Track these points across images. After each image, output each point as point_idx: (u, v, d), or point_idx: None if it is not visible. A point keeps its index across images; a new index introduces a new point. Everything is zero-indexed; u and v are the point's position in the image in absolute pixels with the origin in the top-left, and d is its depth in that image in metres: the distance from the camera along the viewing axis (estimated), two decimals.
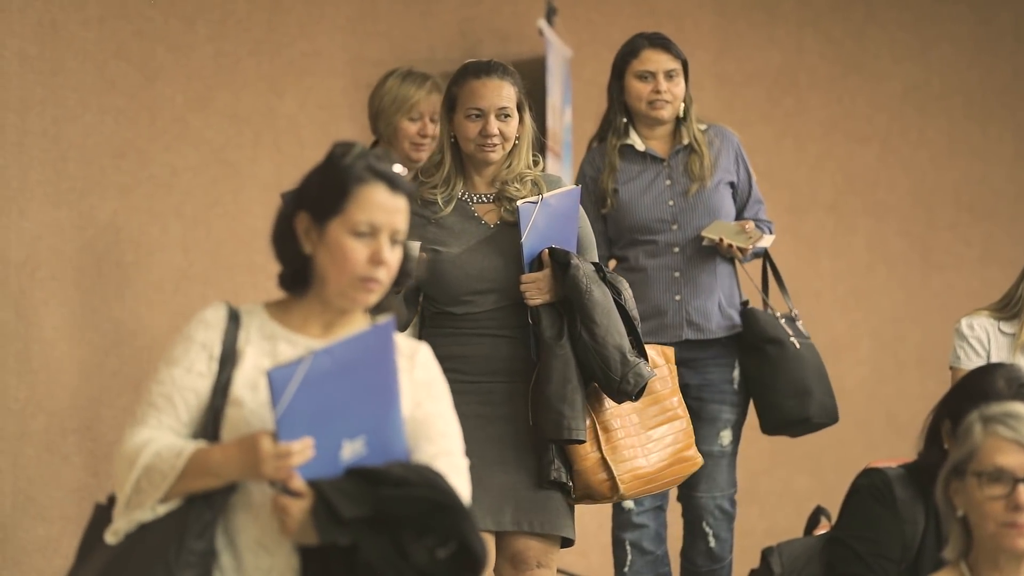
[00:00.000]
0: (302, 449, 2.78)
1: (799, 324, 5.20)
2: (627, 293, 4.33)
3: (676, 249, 5.14)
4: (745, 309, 5.19)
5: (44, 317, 5.58)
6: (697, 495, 5.17)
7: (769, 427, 5.21)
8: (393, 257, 2.93)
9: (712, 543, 5.19)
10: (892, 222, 7.30)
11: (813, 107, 7.22)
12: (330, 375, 2.81)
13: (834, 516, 4.02)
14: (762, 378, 5.13)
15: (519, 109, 4.34)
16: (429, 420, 2.97)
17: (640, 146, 5.18)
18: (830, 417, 5.17)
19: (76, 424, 5.65)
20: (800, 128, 7.20)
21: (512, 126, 4.32)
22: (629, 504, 5.10)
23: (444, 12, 6.52)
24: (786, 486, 6.86)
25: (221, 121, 6.02)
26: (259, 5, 6.13)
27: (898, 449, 5.82)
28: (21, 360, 5.51)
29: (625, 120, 5.19)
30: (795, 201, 7.15)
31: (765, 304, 5.27)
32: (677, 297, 5.12)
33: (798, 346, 5.11)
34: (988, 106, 7.42)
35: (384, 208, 2.92)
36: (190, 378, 2.93)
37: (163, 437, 2.88)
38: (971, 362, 4.67)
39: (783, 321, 5.16)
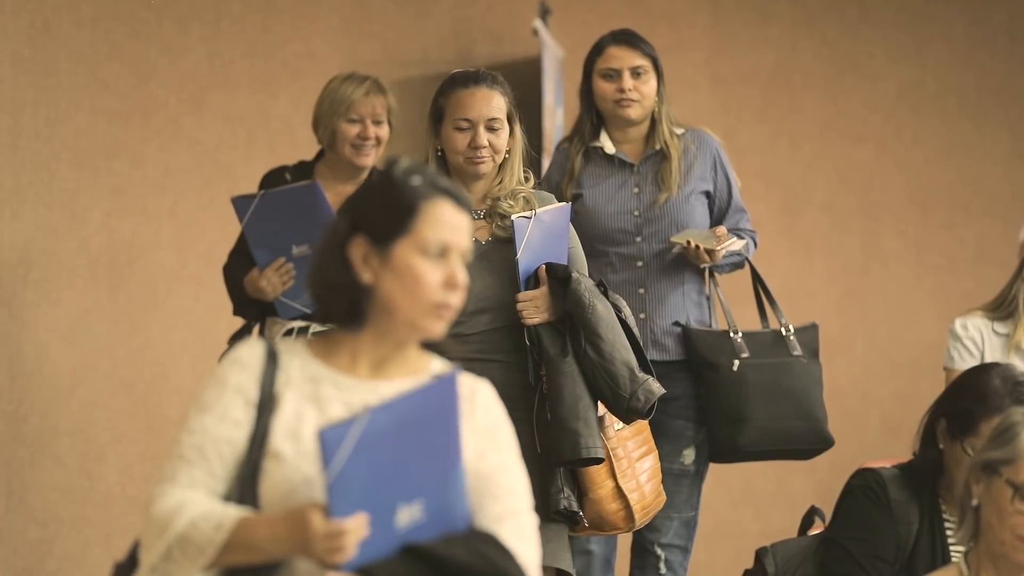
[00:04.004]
0: (356, 527, 2.48)
1: (790, 340, 4.85)
2: (627, 310, 4.12)
3: (640, 263, 4.87)
4: (684, 331, 4.87)
5: (37, 319, 5.58)
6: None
7: (712, 456, 4.86)
8: (465, 280, 2.68)
9: (663, 572, 4.84)
10: (887, 222, 7.30)
11: (807, 107, 7.21)
12: (388, 434, 2.51)
13: (828, 516, 4.01)
14: (702, 406, 4.81)
15: (509, 121, 4.13)
16: (494, 475, 2.69)
17: (610, 149, 4.93)
18: (791, 442, 4.78)
19: (69, 426, 5.64)
20: (795, 128, 7.20)
21: (502, 138, 4.11)
22: None
23: (438, 13, 6.51)
24: (780, 486, 6.85)
25: (215, 122, 6.01)
26: (253, 6, 6.12)
27: (892, 449, 5.82)
28: (14, 362, 5.50)
29: (596, 123, 4.94)
30: (790, 201, 7.15)
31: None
32: (642, 315, 4.84)
33: (736, 368, 4.75)
34: (983, 106, 7.42)
35: (453, 225, 2.67)
36: (224, 427, 2.64)
37: (199, 501, 2.59)
38: (965, 363, 4.66)
39: (735, 339, 4.79)
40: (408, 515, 2.55)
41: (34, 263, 5.56)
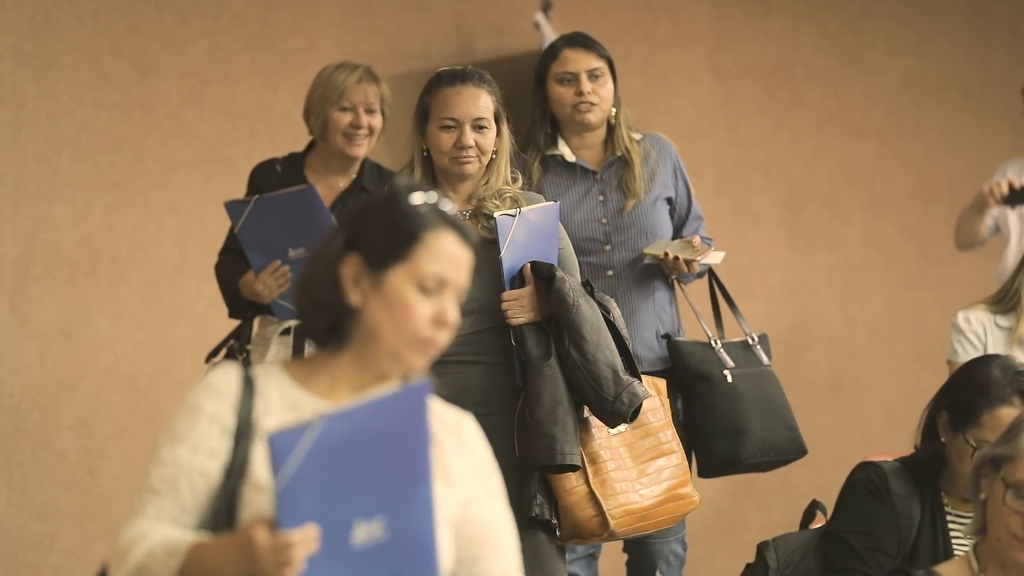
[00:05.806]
0: (303, 540, 2.33)
1: (757, 349, 4.71)
2: (616, 312, 4.03)
3: (610, 272, 4.72)
4: (670, 342, 4.72)
5: (39, 313, 5.58)
6: (649, 540, 4.75)
7: (705, 471, 4.67)
8: (456, 320, 2.57)
9: None
10: (889, 216, 7.30)
11: (809, 101, 7.21)
12: (345, 444, 2.35)
13: (830, 510, 4.01)
14: (692, 418, 4.62)
15: (496, 120, 4.04)
16: (496, 527, 2.63)
17: (570, 157, 4.76)
18: (779, 453, 4.64)
19: (71, 420, 5.64)
20: (796, 122, 7.19)
21: (489, 138, 4.01)
22: None
23: (439, 6, 6.51)
24: (782, 480, 6.85)
25: (216, 116, 6.01)
26: (253, 1, 6.12)
27: (895, 443, 5.81)
28: (16, 356, 5.50)
29: (550, 131, 4.78)
30: (791, 195, 7.15)
31: (718, 331, 4.78)
32: None
33: (730, 379, 4.61)
34: (985, 99, 7.41)
35: (454, 260, 2.55)
36: (197, 457, 2.52)
37: (158, 531, 2.48)
38: (968, 356, 4.66)
39: (718, 350, 4.65)
40: (366, 532, 2.39)
41: (35, 257, 5.56)
